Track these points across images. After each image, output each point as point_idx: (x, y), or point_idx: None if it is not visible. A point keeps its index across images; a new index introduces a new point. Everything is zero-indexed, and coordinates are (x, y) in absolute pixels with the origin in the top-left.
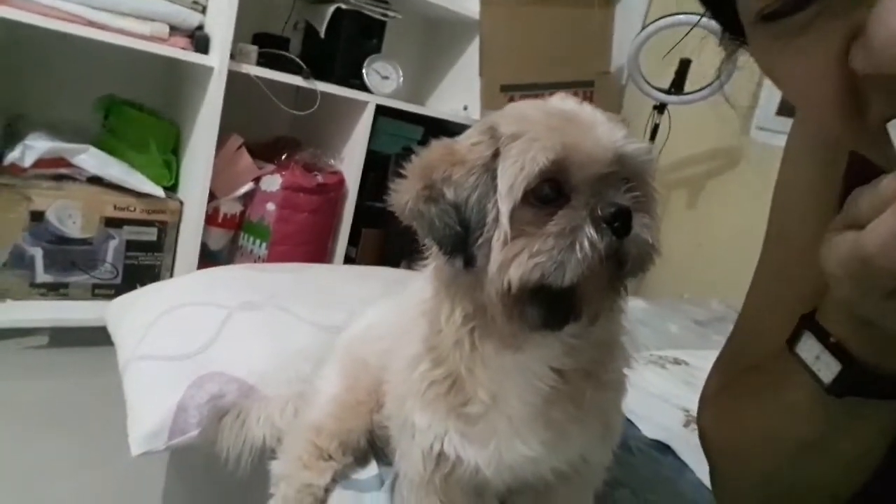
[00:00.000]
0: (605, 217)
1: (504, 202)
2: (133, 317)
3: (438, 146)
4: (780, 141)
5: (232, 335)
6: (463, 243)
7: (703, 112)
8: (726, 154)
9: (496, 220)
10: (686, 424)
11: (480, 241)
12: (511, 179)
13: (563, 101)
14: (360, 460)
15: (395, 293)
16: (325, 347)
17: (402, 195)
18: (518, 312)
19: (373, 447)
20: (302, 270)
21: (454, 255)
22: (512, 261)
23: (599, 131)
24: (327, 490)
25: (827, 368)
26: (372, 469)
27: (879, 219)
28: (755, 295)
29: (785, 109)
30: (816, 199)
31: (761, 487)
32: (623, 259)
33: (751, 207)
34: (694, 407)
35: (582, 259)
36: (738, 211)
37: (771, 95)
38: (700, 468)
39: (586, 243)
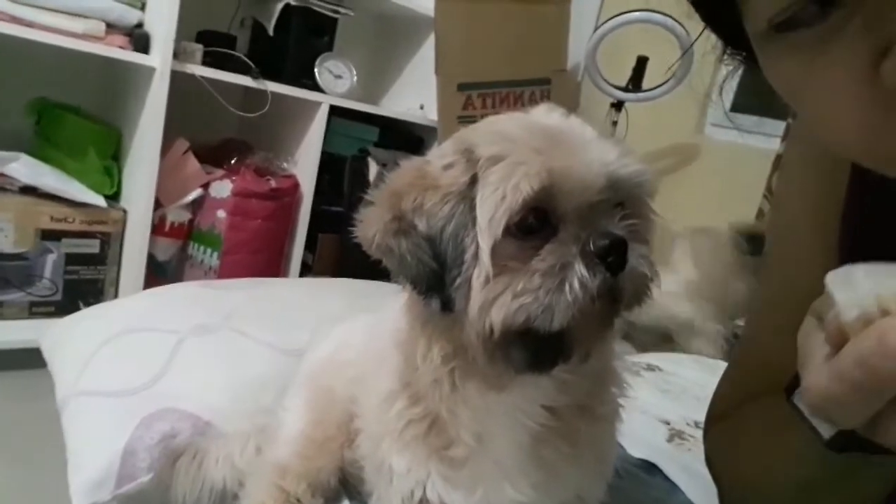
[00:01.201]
0: (598, 251)
1: (484, 237)
2: (72, 346)
3: (408, 168)
4: (734, 137)
5: (184, 365)
6: (439, 281)
7: (659, 109)
8: (682, 151)
9: (475, 255)
10: (669, 440)
11: (459, 280)
12: (491, 211)
13: (547, 116)
14: (331, 501)
15: (360, 310)
16: (286, 373)
17: (369, 227)
18: (501, 355)
19: (344, 485)
20: (257, 286)
21: (430, 295)
22: (493, 302)
23: (590, 153)
24: None
25: (824, 424)
26: None
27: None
28: (759, 317)
29: (739, 106)
30: (817, 218)
31: None
32: (617, 296)
33: (706, 203)
34: (673, 417)
35: (572, 301)
36: (694, 206)
37: (725, 92)
38: (689, 488)
39: (576, 283)
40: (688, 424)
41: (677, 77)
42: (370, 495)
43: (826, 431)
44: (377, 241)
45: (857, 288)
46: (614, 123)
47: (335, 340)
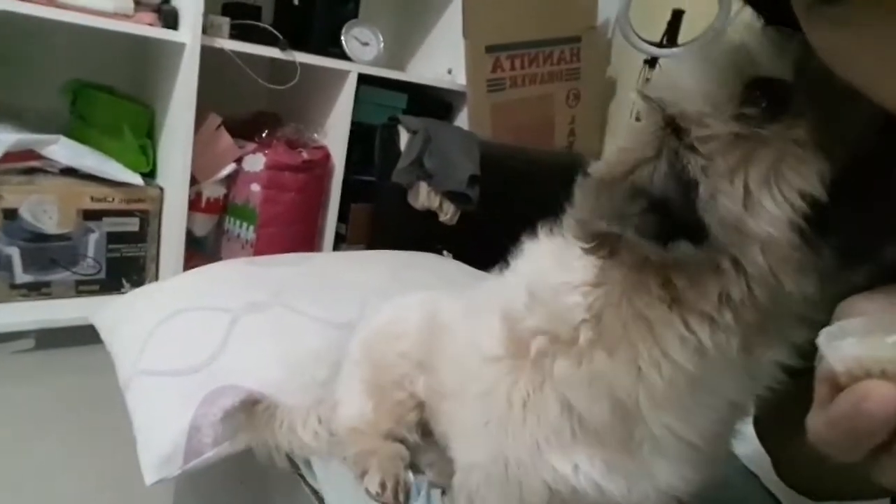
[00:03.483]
0: None
1: (715, 125)
2: (129, 326)
3: (606, 158)
4: None
5: (240, 342)
6: (669, 227)
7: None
8: None
9: (710, 157)
10: None
11: (701, 200)
12: (709, 97)
13: None
14: None
15: (403, 282)
16: (338, 346)
17: (582, 214)
18: (816, 247)
19: None
20: (303, 262)
21: (673, 241)
22: (762, 187)
23: None
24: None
25: None
26: None
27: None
28: None
29: None
30: None
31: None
32: None
33: None
34: None
35: None
36: None
37: None
38: (745, 455)
39: None
40: None
41: (715, 29)
42: (428, 465)
43: None
44: (592, 225)
45: (842, 349)
46: (648, 80)
47: (386, 315)
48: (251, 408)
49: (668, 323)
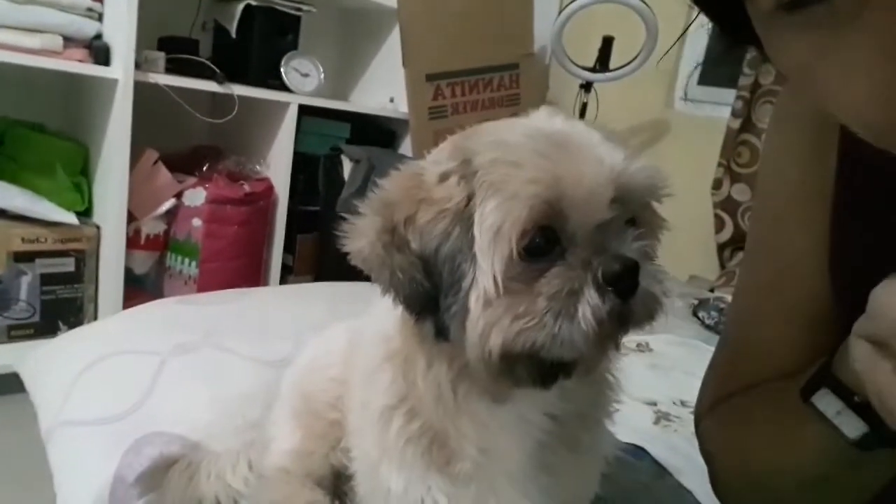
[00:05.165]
0: (608, 278)
1: (485, 259)
2: (53, 374)
3: (402, 176)
4: (704, 111)
5: (168, 386)
6: (432, 303)
7: (628, 87)
8: (653, 126)
9: (474, 280)
10: (656, 422)
11: (454, 308)
12: (492, 232)
13: (550, 121)
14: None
15: (342, 315)
16: (271, 385)
17: (359, 239)
18: (503, 374)
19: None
20: (236, 299)
21: (423, 317)
22: (493, 326)
23: (598, 162)
24: None
25: (850, 424)
26: None
27: None
28: (743, 305)
29: (707, 79)
30: (805, 205)
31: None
32: (627, 318)
33: (679, 177)
34: (659, 398)
35: (582, 329)
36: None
37: (693, 65)
38: (678, 471)
39: (587, 311)
40: (674, 404)
41: (644, 55)
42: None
43: (853, 431)
44: (367, 254)
45: None
46: (584, 104)
47: (313, 350)
48: (165, 471)
49: (418, 354)
